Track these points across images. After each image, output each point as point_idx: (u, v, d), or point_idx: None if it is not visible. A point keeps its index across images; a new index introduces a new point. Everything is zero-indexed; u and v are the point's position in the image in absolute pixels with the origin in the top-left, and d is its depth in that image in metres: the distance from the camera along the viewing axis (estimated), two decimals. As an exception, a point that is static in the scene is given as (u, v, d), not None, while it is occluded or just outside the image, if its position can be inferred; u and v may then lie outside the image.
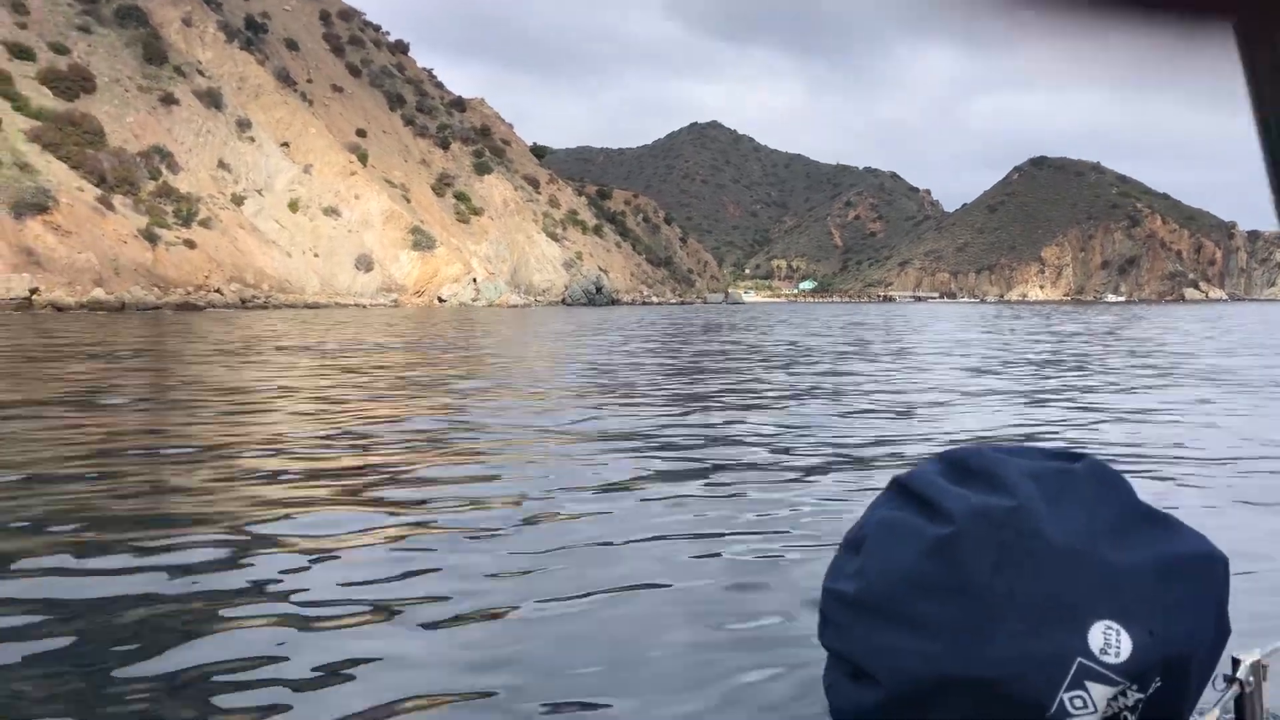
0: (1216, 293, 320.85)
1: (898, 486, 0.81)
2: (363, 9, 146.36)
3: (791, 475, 7.27)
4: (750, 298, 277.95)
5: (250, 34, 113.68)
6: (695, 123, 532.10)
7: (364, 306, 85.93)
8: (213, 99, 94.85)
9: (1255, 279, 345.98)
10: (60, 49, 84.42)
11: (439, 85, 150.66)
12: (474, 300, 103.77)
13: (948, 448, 0.83)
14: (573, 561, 4.88)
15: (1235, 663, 0.76)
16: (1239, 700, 0.78)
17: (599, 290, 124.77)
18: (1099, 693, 0.67)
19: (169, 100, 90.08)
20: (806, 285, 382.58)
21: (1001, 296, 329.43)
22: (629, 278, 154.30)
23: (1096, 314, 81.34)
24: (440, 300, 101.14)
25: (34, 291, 56.16)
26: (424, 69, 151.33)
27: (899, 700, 0.72)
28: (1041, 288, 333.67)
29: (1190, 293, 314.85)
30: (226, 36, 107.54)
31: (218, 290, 72.90)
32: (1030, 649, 0.69)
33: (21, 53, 79.63)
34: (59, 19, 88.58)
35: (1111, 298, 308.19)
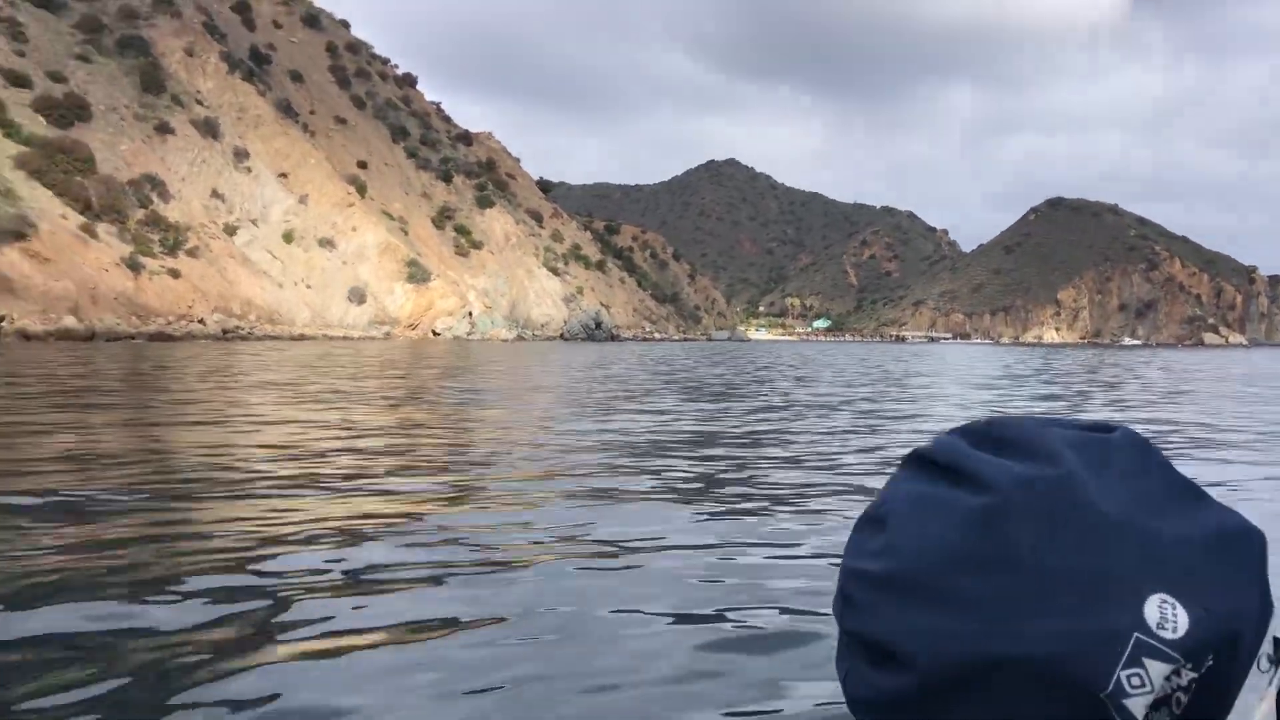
0: (1236, 337, 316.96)
1: (918, 460, 0.75)
2: (372, 42, 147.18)
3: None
4: (759, 335, 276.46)
5: (253, 65, 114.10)
6: (712, 160, 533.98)
7: (353, 339, 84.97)
8: (209, 128, 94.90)
9: (1277, 324, 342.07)
10: (58, 77, 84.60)
11: (446, 119, 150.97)
12: (469, 334, 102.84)
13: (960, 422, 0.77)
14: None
15: (1277, 642, 0.72)
16: None
17: (598, 325, 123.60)
18: (1156, 670, 0.63)
19: (164, 129, 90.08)
20: (820, 324, 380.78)
21: (1016, 339, 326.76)
22: (631, 313, 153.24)
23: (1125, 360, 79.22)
24: (435, 334, 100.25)
25: (2, 319, 55.39)
26: (432, 102, 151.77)
27: (938, 684, 0.67)
28: (1057, 330, 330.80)
29: (1210, 337, 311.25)
30: (229, 67, 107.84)
31: (200, 320, 72.10)
32: (1084, 624, 0.64)
33: (17, 80, 79.72)
34: (59, 48, 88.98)
35: (1129, 341, 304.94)
